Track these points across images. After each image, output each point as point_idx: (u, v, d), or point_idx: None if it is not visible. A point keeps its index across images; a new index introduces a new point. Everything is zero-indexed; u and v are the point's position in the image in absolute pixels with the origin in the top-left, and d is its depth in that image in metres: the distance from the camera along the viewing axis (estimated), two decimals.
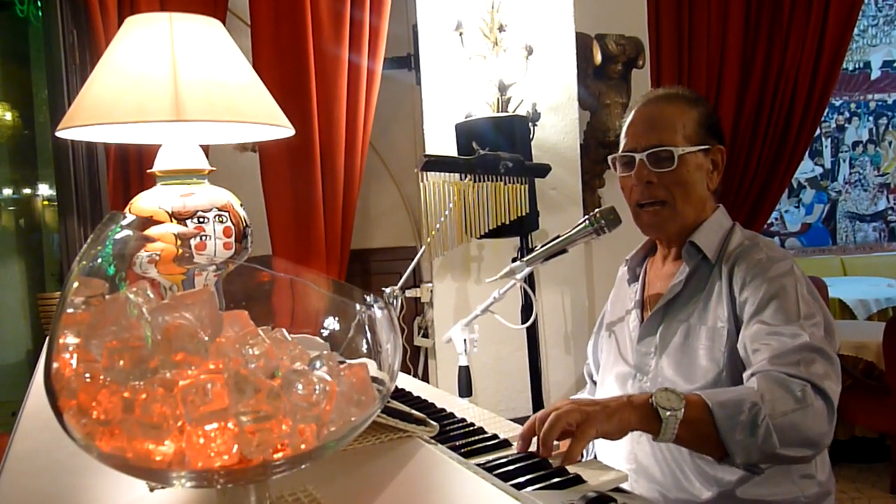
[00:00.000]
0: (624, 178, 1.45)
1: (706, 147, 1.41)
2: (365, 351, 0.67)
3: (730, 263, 1.37)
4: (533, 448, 1.08)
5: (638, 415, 1.12)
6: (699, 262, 1.41)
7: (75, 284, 0.54)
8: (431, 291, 2.86)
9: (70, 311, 0.53)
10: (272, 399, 0.50)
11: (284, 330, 0.59)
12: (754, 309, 1.30)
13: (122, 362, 0.49)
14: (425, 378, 3.07)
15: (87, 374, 0.50)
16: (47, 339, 0.52)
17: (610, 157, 1.49)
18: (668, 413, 1.11)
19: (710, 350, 1.34)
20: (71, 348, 0.52)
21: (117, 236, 0.58)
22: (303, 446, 0.53)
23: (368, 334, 0.68)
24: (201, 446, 0.49)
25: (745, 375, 1.26)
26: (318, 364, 0.56)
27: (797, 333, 1.23)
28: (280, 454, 0.52)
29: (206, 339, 0.51)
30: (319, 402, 0.52)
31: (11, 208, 3.50)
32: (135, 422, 0.48)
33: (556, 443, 1.08)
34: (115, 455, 0.50)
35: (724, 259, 1.39)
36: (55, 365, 0.52)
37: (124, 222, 0.58)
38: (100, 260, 0.56)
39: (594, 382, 1.67)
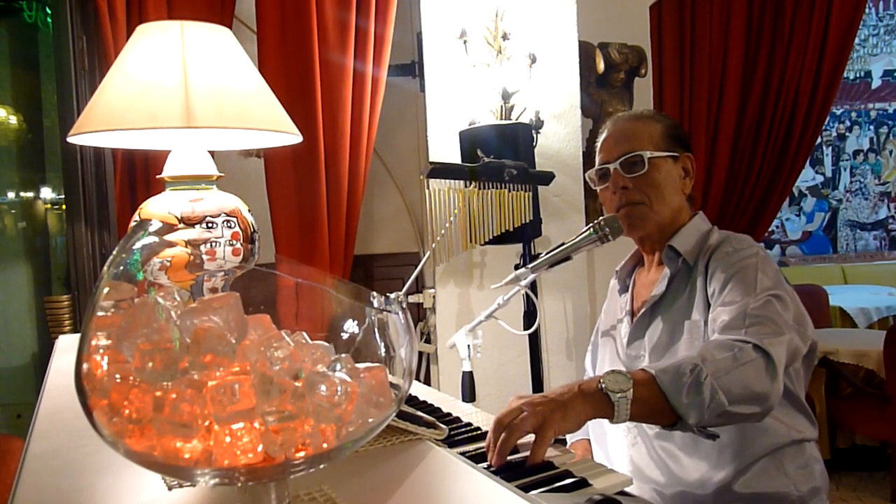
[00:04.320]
0: (603, 190, 1.54)
1: (675, 154, 1.50)
2: (379, 354, 0.68)
3: (705, 260, 1.43)
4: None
5: (591, 404, 1.14)
6: (680, 265, 1.47)
7: (105, 289, 0.55)
8: (434, 297, 2.87)
9: (101, 314, 0.55)
10: (296, 399, 0.52)
11: (305, 333, 0.61)
12: (716, 293, 1.36)
13: (152, 364, 0.51)
14: (427, 383, 3.08)
15: (118, 375, 0.52)
16: (79, 340, 0.54)
17: (587, 174, 1.58)
18: (618, 395, 1.13)
19: (690, 343, 1.38)
20: (102, 350, 0.54)
21: (143, 242, 0.60)
22: (324, 445, 0.55)
23: (379, 337, 0.69)
24: (228, 445, 0.51)
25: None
26: (338, 366, 0.58)
27: (747, 303, 1.28)
28: (302, 453, 0.54)
29: (234, 341, 0.53)
30: (341, 403, 0.54)
31: (17, 212, 3.51)
32: (164, 420, 0.50)
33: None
34: (144, 452, 0.52)
35: (701, 257, 1.45)
36: (86, 366, 0.54)
37: (151, 229, 0.60)
38: (128, 266, 0.58)
39: None
